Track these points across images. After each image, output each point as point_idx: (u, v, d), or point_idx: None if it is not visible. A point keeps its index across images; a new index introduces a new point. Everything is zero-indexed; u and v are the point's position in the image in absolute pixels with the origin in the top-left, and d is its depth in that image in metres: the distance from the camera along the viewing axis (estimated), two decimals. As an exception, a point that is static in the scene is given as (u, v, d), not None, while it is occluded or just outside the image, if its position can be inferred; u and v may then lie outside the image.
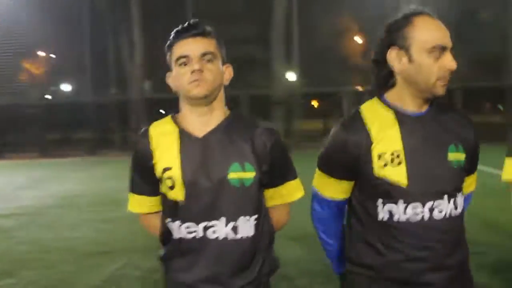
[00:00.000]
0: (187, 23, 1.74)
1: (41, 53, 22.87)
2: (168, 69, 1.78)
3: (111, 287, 4.53)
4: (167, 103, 21.07)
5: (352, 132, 1.69)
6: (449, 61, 1.63)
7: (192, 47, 1.69)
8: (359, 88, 20.04)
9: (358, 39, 22.39)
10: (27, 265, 5.22)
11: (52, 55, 23.18)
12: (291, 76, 20.37)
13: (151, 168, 1.74)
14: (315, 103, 26.29)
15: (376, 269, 1.70)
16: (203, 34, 1.72)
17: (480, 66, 18.56)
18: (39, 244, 6.06)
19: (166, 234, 1.77)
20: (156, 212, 1.85)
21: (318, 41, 19.90)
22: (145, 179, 1.79)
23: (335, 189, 1.79)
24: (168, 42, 1.75)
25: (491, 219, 6.15)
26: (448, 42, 1.65)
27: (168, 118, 1.80)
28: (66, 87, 23.60)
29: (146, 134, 1.77)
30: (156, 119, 1.82)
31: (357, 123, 1.71)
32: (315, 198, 1.86)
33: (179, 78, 1.71)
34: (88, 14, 19.71)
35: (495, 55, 19.12)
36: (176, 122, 1.77)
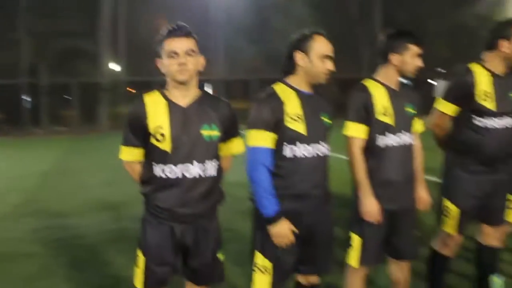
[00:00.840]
0: (175, 25, 2.41)
1: None
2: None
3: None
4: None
5: (275, 98, 2.59)
6: (331, 65, 2.62)
7: (179, 45, 2.35)
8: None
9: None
10: None
11: None
12: (116, 66, 23.18)
13: (144, 125, 2.40)
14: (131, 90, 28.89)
15: (282, 189, 2.60)
16: (187, 35, 2.39)
17: (271, 61, 23.16)
18: None
19: (150, 176, 2.44)
20: (139, 162, 2.51)
21: (139, 35, 22.72)
22: (137, 134, 2.44)
23: (271, 140, 2.55)
24: (160, 37, 2.42)
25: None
26: (331, 53, 2.64)
27: (156, 92, 2.47)
28: None
29: (142, 101, 2.45)
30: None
31: (275, 94, 2.61)
32: (258, 155, 2.54)
33: (168, 66, 2.38)
34: None
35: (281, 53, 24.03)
36: (163, 95, 2.45)
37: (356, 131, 2.90)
